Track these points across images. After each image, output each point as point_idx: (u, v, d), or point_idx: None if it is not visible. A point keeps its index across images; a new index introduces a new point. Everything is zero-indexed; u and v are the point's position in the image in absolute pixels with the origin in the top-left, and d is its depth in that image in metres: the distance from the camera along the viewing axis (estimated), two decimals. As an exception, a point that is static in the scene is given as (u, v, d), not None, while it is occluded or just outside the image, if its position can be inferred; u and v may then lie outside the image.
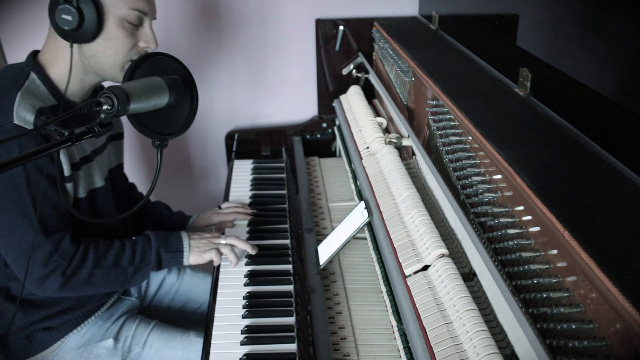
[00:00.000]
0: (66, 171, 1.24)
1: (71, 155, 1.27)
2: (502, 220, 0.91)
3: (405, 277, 1.06)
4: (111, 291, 1.46)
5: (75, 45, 1.23)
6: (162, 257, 1.35)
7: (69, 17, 1.18)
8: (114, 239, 1.35)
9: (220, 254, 1.39)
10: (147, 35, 1.28)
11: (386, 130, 1.53)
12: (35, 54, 1.30)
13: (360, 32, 2.02)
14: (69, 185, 1.27)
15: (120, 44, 1.25)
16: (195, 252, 1.38)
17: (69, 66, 1.24)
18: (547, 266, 0.79)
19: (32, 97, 1.20)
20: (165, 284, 1.64)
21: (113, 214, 1.44)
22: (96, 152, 1.39)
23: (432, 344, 0.91)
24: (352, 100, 1.84)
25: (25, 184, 1.17)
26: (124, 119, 1.44)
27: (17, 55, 1.88)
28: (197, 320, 1.62)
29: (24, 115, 1.16)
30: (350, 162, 1.67)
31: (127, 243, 1.34)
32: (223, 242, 1.41)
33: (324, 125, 2.12)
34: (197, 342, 1.40)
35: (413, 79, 1.49)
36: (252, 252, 1.42)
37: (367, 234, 1.38)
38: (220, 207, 1.65)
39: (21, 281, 1.25)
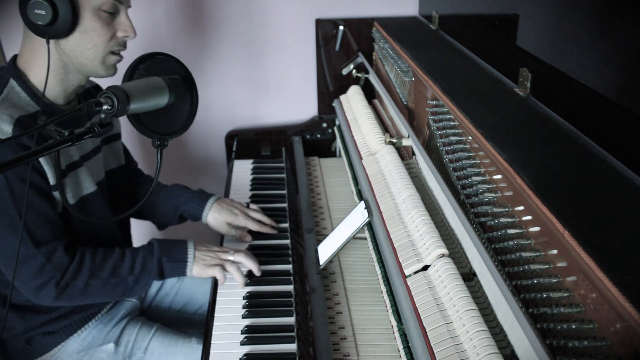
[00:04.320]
0: (51, 180, 1.20)
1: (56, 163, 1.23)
2: (502, 220, 0.91)
3: (405, 277, 1.06)
4: (114, 300, 1.44)
5: (52, 42, 1.19)
6: (164, 267, 1.31)
7: (42, 11, 1.13)
8: (114, 246, 1.32)
9: (225, 271, 1.34)
10: (124, 24, 1.24)
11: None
12: (16, 57, 1.26)
13: (360, 32, 2.02)
14: (56, 194, 1.23)
15: (98, 35, 1.20)
16: (199, 264, 1.33)
17: (47, 66, 1.19)
18: (547, 266, 0.78)
19: (10, 106, 1.16)
20: (166, 284, 1.64)
21: (108, 218, 1.41)
22: (86, 157, 1.35)
23: (432, 344, 0.91)
24: (352, 100, 1.84)
25: (10, 196, 1.14)
26: (123, 119, 1.44)
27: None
28: (198, 322, 1.62)
29: (0, 127, 1.13)
30: (350, 162, 1.67)
31: (128, 252, 1.30)
32: (231, 258, 1.35)
33: (324, 125, 2.12)
34: (199, 349, 1.38)
35: (413, 79, 1.49)
36: (257, 273, 1.36)
37: (367, 234, 1.38)
38: (248, 206, 1.57)
39: (18, 289, 1.24)
